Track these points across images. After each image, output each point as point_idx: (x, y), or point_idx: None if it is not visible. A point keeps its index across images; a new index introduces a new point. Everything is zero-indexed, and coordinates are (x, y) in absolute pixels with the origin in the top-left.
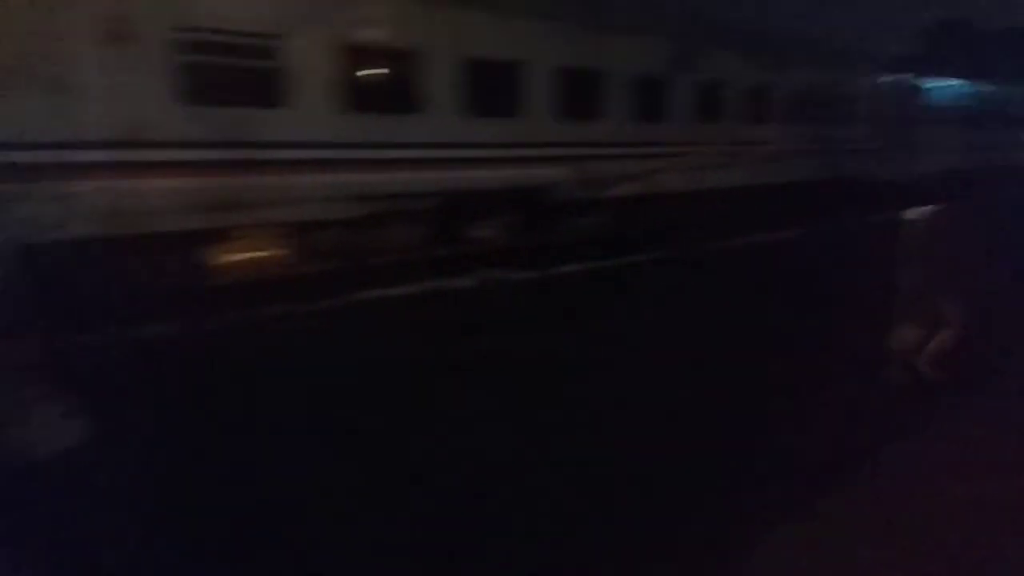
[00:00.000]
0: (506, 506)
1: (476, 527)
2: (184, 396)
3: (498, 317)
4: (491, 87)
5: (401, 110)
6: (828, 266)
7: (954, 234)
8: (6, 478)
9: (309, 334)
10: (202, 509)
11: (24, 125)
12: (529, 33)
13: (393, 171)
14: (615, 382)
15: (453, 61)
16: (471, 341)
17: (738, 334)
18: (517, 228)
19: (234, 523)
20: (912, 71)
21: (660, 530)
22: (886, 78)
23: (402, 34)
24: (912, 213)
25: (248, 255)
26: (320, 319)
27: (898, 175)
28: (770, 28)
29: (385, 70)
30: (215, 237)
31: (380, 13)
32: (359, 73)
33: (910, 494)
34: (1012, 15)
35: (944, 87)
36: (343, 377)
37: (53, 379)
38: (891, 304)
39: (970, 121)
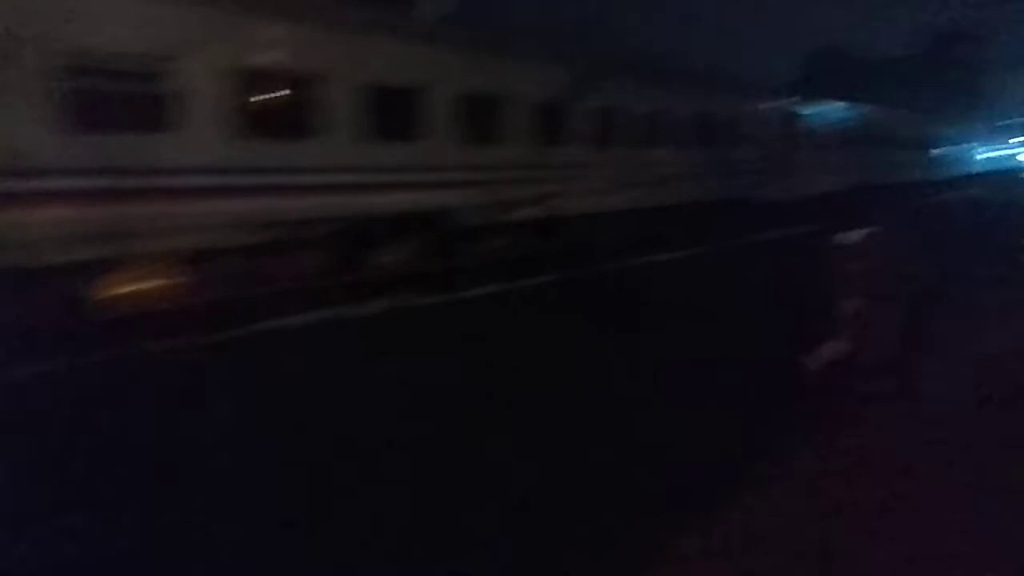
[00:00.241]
0: (408, 539)
1: (372, 559)
2: (67, 439)
3: (405, 342)
4: (393, 112)
5: (301, 135)
6: (722, 282)
7: (851, 254)
8: None
9: (207, 367)
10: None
11: None
12: (431, 59)
13: (293, 197)
14: (524, 404)
15: (354, 86)
16: (378, 367)
17: (643, 352)
18: (422, 253)
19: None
20: (794, 96)
21: (547, 551)
22: (771, 103)
23: (301, 58)
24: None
25: (139, 286)
26: (218, 351)
27: (782, 195)
28: (664, 57)
29: (284, 94)
30: (103, 269)
31: (277, 36)
32: (256, 97)
33: (793, 502)
34: (883, 44)
35: (824, 111)
36: (244, 409)
37: None
38: (785, 318)
39: (849, 143)
